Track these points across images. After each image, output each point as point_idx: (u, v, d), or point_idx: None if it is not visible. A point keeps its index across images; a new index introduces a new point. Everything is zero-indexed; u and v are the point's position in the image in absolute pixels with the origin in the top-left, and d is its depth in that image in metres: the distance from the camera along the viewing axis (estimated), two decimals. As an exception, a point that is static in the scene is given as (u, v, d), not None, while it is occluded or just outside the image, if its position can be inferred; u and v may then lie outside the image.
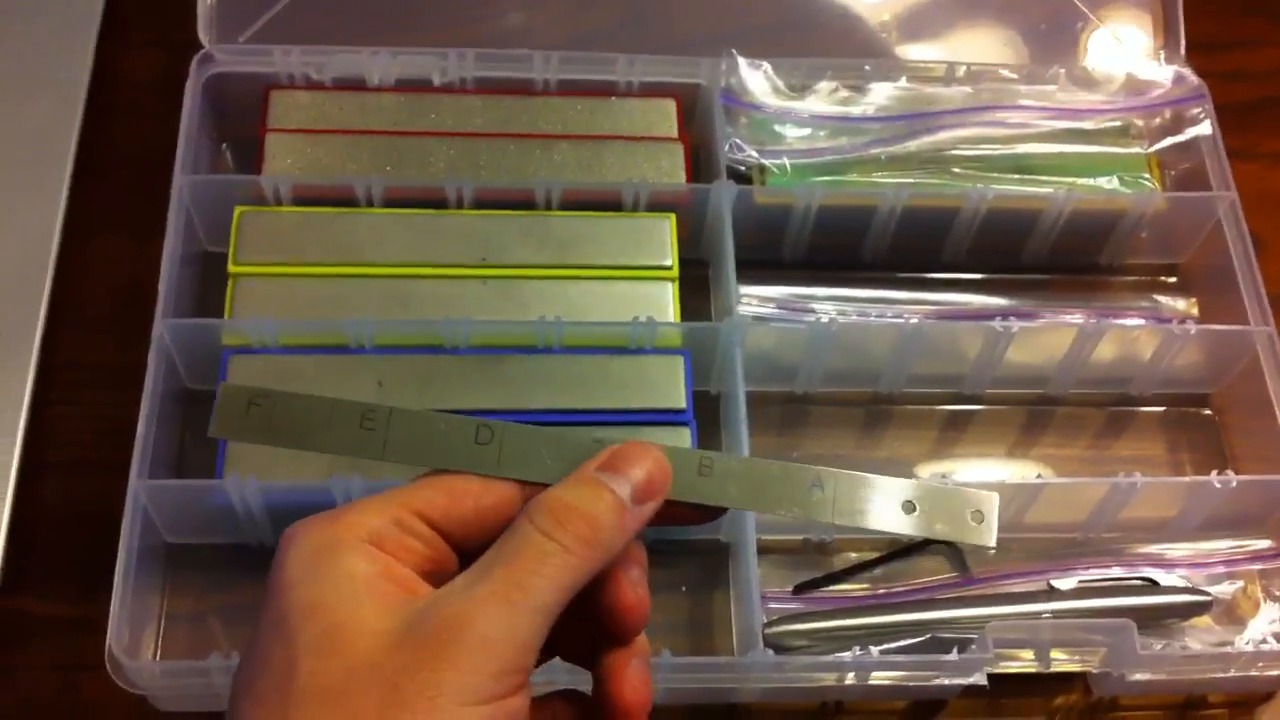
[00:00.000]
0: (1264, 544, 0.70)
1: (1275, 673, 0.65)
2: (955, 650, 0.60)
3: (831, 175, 0.75)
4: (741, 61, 0.76)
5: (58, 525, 0.67)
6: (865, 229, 0.75)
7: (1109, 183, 0.77)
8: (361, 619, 0.36)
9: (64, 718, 0.63)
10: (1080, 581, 0.67)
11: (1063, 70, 0.78)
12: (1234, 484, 0.66)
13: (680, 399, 0.67)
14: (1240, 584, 0.69)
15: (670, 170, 0.74)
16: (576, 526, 0.38)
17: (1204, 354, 0.73)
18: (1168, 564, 0.69)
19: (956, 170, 0.76)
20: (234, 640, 0.63)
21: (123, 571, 0.59)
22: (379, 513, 0.39)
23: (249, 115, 0.74)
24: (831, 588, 0.68)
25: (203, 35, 0.73)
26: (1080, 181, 0.76)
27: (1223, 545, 0.70)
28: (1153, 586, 0.67)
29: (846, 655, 0.60)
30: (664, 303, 0.70)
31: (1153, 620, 0.66)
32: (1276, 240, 0.80)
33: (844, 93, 0.77)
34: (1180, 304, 0.78)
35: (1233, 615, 0.68)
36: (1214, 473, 0.66)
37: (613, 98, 0.76)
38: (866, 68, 0.78)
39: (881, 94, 0.78)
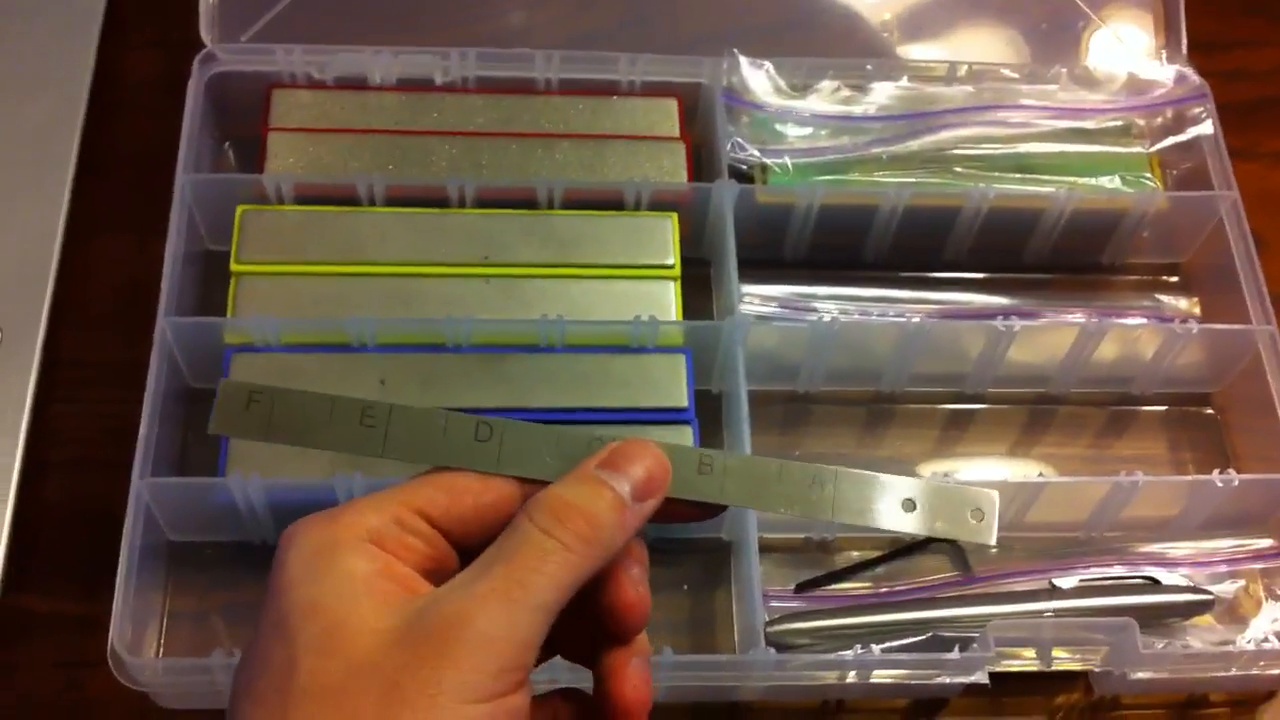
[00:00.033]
0: (1266, 543, 0.70)
1: (1277, 672, 0.64)
2: (957, 649, 0.60)
3: (833, 174, 0.75)
4: (743, 61, 0.76)
5: (60, 523, 0.67)
6: (867, 228, 0.75)
7: (1111, 182, 0.77)
8: (361, 618, 0.36)
9: (67, 715, 0.63)
10: (1082, 580, 0.67)
11: (1064, 70, 0.78)
12: (1236, 483, 0.66)
13: (682, 398, 0.67)
14: (1242, 583, 0.69)
15: (672, 169, 0.74)
16: (576, 524, 0.38)
17: (1206, 353, 0.73)
18: (1169, 563, 0.69)
19: (958, 169, 0.76)
20: (237, 638, 0.63)
21: (125, 569, 0.59)
22: (379, 511, 0.39)
23: (251, 114, 0.74)
24: (833, 586, 0.68)
25: (205, 34, 0.73)
26: (1082, 181, 0.76)
27: (1224, 544, 0.70)
28: (1154, 585, 0.67)
29: (848, 654, 0.60)
30: (666, 302, 0.70)
31: (1154, 619, 0.66)
32: (1278, 239, 0.80)
33: (846, 92, 0.77)
34: (1182, 303, 0.78)
35: (1234, 614, 0.68)
36: (1216, 472, 0.66)
37: (614, 97, 0.76)
38: (868, 67, 0.78)
39: (883, 93, 0.78)
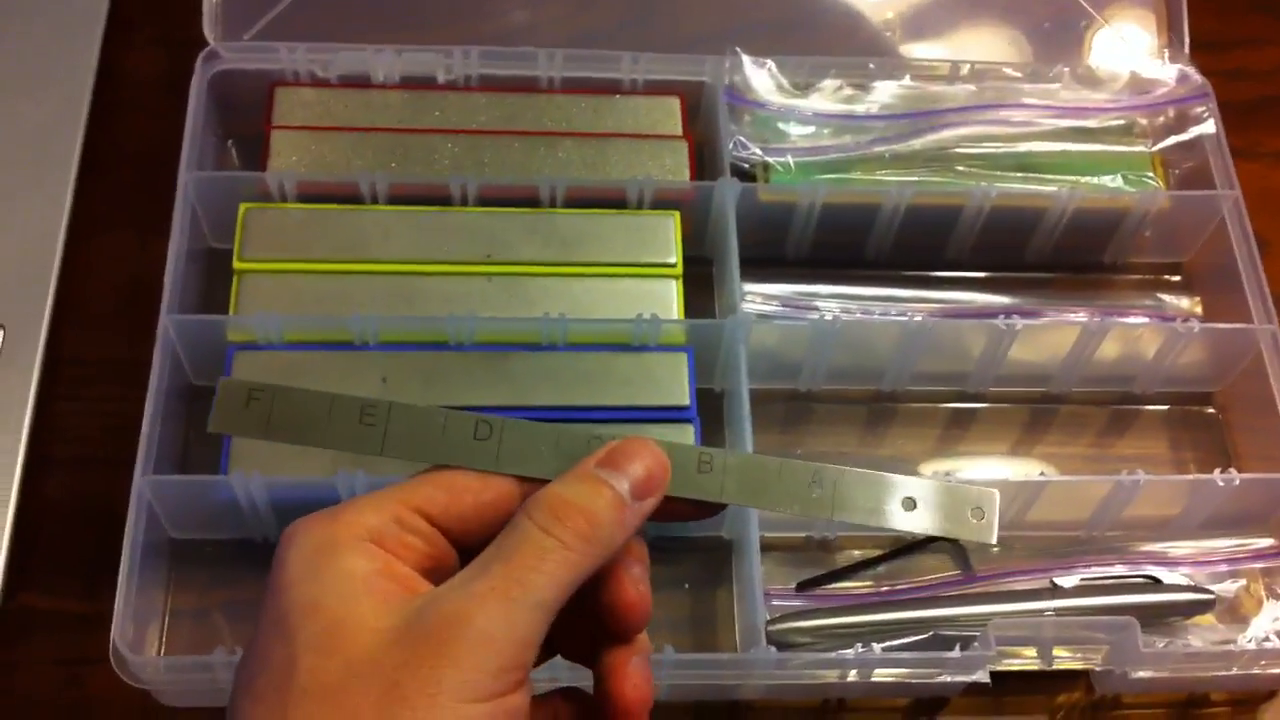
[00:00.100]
0: (1267, 542, 0.70)
1: (1277, 671, 0.64)
2: (958, 648, 0.60)
3: (835, 173, 0.75)
4: (746, 59, 0.76)
5: (63, 521, 0.67)
6: (869, 227, 0.75)
7: (1113, 181, 0.76)
8: (361, 617, 0.36)
9: (68, 713, 0.64)
10: (1083, 579, 0.67)
11: (1066, 69, 0.78)
12: (1237, 482, 0.66)
13: (684, 396, 0.67)
14: (1243, 582, 0.69)
15: (674, 168, 0.74)
16: (575, 523, 0.38)
17: (1207, 352, 0.73)
18: (1170, 562, 0.69)
19: (960, 168, 0.76)
20: (238, 636, 0.63)
21: (127, 567, 0.59)
22: (378, 510, 0.39)
23: (254, 112, 0.74)
24: (834, 585, 0.68)
25: (208, 32, 0.74)
26: (1084, 180, 0.76)
27: (1225, 543, 0.70)
28: (1155, 584, 0.67)
29: (849, 652, 0.60)
30: (668, 300, 0.70)
31: (1155, 618, 0.66)
32: (1279, 239, 0.80)
33: (848, 91, 0.77)
34: (1184, 302, 0.78)
35: (1235, 613, 0.68)
36: (1217, 471, 0.66)
37: (617, 95, 0.76)
38: (871, 66, 0.78)
39: (885, 92, 0.78)
